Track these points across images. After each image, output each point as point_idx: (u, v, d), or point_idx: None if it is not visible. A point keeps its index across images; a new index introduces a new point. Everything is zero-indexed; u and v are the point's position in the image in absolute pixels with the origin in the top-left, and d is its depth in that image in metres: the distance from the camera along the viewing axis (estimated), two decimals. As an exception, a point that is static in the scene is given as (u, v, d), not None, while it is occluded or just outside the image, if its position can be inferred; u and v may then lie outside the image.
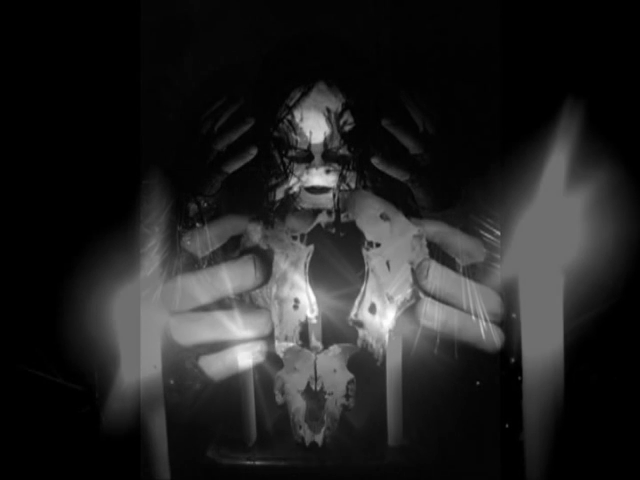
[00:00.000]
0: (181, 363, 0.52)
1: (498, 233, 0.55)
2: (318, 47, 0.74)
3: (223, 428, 0.62)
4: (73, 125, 0.68)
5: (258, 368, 0.56)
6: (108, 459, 0.52)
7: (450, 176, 0.69)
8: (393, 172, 0.68)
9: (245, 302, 0.52)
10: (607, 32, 0.66)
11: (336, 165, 0.71)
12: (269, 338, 0.51)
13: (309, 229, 0.52)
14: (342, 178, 0.71)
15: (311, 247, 0.52)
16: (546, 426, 0.43)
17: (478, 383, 0.59)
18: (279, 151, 0.71)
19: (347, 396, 0.53)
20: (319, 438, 0.53)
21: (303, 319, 0.51)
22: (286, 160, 0.71)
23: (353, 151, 0.71)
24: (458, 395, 0.61)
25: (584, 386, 0.57)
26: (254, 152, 0.68)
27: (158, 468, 0.48)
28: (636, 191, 0.59)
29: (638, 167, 0.60)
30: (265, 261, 0.50)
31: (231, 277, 0.49)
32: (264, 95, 0.72)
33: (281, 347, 0.52)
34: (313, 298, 0.51)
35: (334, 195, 0.69)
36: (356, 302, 0.51)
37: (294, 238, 0.51)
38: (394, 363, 0.57)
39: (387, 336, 0.51)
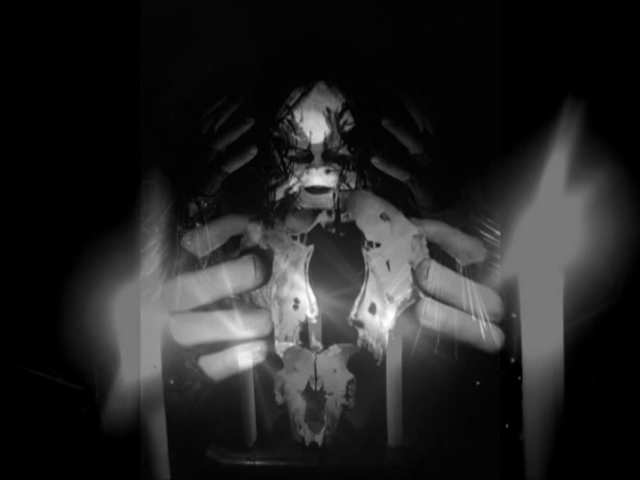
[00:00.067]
0: (181, 363, 0.52)
1: (498, 233, 0.55)
2: (318, 47, 0.74)
3: (223, 428, 0.63)
4: (73, 125, 0.68)
5: (258, 368, 0.56)
6: (108, 459, 0.52)
7: (450, 176, 0.69)
8: (393, 172, 0.68)
9: (245, 302, 0.52)
10: (607, 32, 0.66)
11: (336, 165, 0.71)
12: (269, 338, 0.51)
13: (309, 229, 0.52)
14: (342, 178, 0.71)
15: (311, 247, 0.51)
16: (546, 426, 0.43)
17: (478, 383, 0.59)
18: (279, 151, 0.71)
19: (347, 396, 0.53)
20: (319, 438, 0.53)
21: (303, 319, 0.51)
22: (286, 160, 0.71)
23: (353, 151, 0.71)
24: (458, 395, 0.61)
25: (584, 386, 0.57)
26: (254, 152, 0.68)
27: (158, 468, 0.48)
28: (636, 191, 0.59)
29: (638, 167, 0.60)
30: (265, 261, 0.50)
31: (231, 277, 0.49)
32: (264, 95, 0.72)
33: (281, 347, 0.52)
34: (313, 298, 0.51)
35: (334, 195, 0.69)
36: (356, 302, 0.51)
37: (294, 238, 0.51)
38: (394, 363, 0.57)
39: (387, 336, 0.51)
